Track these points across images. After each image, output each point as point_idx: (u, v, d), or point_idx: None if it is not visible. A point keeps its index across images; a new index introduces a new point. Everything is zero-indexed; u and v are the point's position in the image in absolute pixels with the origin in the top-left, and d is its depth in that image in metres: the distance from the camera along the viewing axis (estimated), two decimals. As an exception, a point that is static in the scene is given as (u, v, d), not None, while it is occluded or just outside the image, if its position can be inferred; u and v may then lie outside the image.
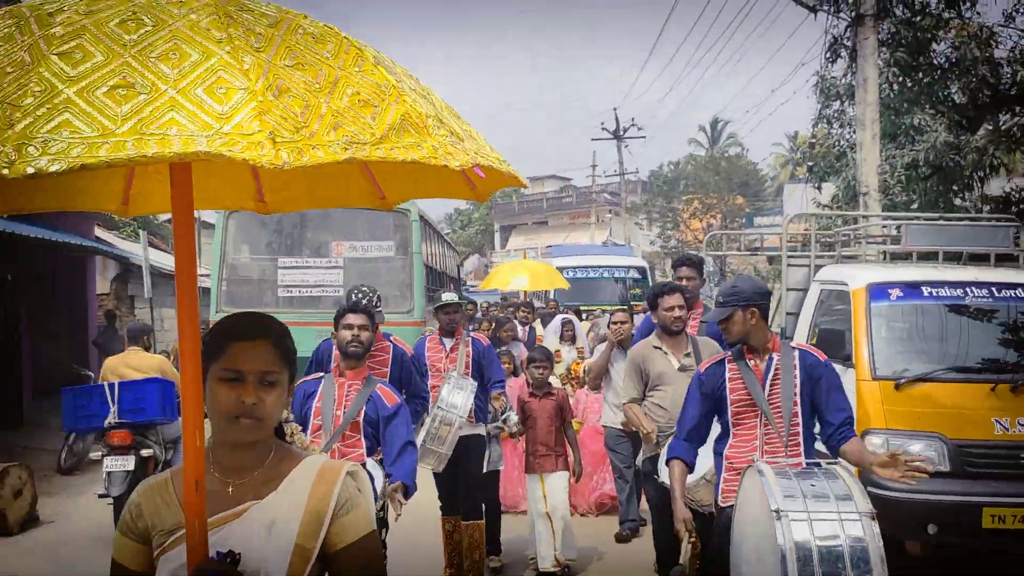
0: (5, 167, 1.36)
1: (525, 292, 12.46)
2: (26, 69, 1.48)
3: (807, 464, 3.99)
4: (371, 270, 11.89)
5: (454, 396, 5.84)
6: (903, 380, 5.63)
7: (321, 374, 4.89)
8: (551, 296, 17.25)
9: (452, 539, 6.35)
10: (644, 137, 71.50)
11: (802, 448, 4.22)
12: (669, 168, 58.85)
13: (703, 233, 32.24)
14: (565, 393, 7.09)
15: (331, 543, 1.99)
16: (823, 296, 6.78)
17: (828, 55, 14.14)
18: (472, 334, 6.71)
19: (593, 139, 47.96)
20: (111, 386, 7.61)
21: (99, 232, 19.37)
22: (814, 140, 14.90)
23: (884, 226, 8.63)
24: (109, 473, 7.52)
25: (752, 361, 4.33)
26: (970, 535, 5.27)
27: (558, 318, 11.65)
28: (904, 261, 7.42)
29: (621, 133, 41.02)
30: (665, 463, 4.67)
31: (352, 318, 4.79)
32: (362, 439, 4.51)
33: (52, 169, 1.35)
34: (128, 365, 8.26)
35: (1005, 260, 7.27)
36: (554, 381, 7.39)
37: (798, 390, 4.24)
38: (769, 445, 4.22)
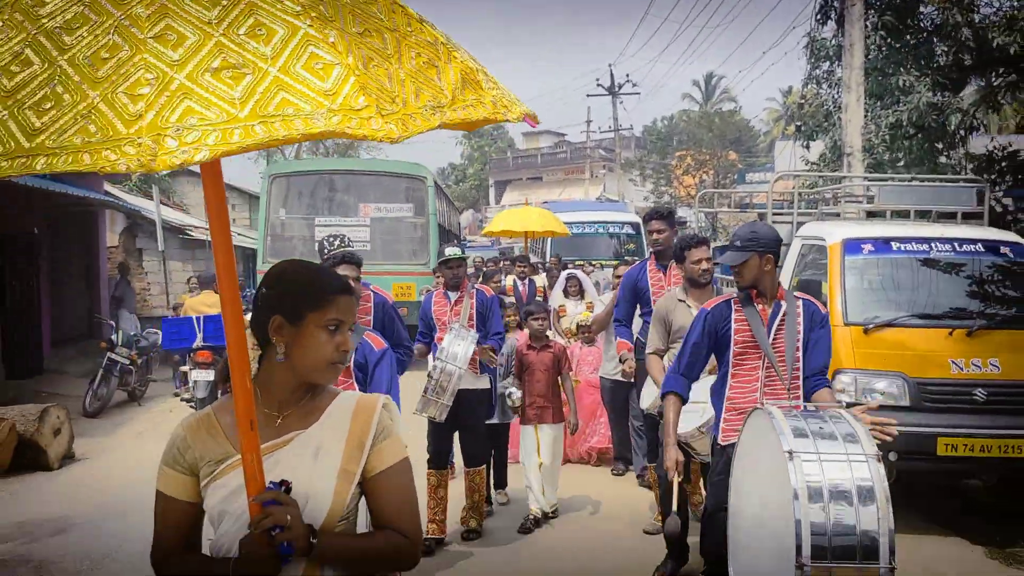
0: (150, 159, 1.35)
1: (527, 242, 12.50)
2: (127, 54, 1.43)
3: (813, 407, 4.06)
4: (393, 228, 13.54)
5: (454, 347, 5.98)
6: (871, 326, 6.27)
7: None
8: (548, 251, 17.73)
9: (436, 494, 6.26)
10: (639, 93, 71.61)
11: (801, 392, 4.36)
12: (663, 124, 58.97)
13: (695, 189, 32.75)
14: (563, 346, 7.18)
15: (370, 467, 2.12)
16: (804, 250, 7.41)
17: (818, 16, 14.63)
18: (477, 286, 6.84)
19: (588, 95, 47.92)
20: (197, 319, 10.46)
21: (106, 187, 19.80)
22: (803, 100, 15.42)
23: (862, 186, 9.22)
24: (195, 382, 9.99)
25: (760, 306, 4.41)
26: (926, 461, 5.95)
27: (563, 274, 11.77)
28: (880, 218, 8.03)
29: (616, 89, 41.28)
30: (660, 396, 4.80)
31: (344, 269, 4.82)
32: (354, 383, 4.52)
33: (198, 158, 1.35)
34: (204, 304, 11.65)
35: (971, 218, 7.89)
36: (558, 337, 7.68)
37: (801, 337, 4.37)
38: (770, 387, 4.35)
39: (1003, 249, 6.75)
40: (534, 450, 6.69)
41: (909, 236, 6.75)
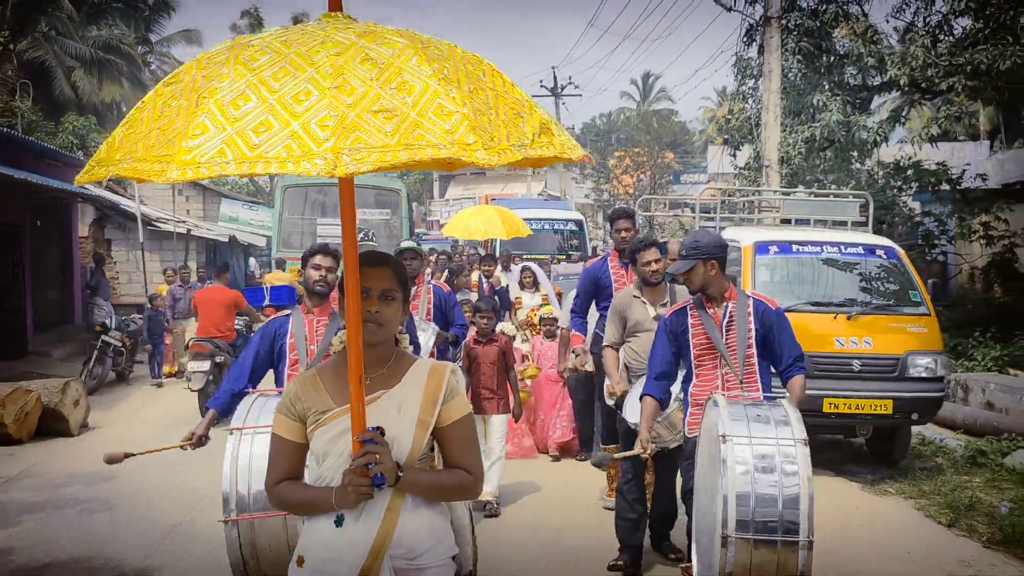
0: (332, 168, 1.87)
1: (487, 240, 13.06)
2: (318, 96, 1.95)
3: (764, 397, 4.49)
4: (378, 225, 17.48)
5: (416, 339, 6.09)
6: (775, 312, 7.91)
7: (288, 312, 5.09)
8: (498, 247, 18.93)
9: None
10: (580, 95, 73.29)
11: (759, 384, 4.67)
12: (601, 120, 60.39)
13: (633, 188, 34.55)
14: (508, 339, 7.40)
15: (441, 420, 2.58)
16: (723, 250, 9.02)
17: (744, 40, 16.37)
18: (433, 281, 7.07)
19: (532, 96, 49.66)
20: (269, 288, 13.93)
21: (78, 180, 20.59)
22: (730, 116, 17.16)
23: (774, 198, 10.88)
24: (193, 373, 10.81)
25: (711, 309, 4.74)
26: (815, 415, 7.55)
27: (517, 267, 12.17)
28: (788, 225, 9.69)
29: (559, 91, 42.89)
30: (640, 398, 5.09)
31: (320, 259, 4.94)
32: None
33: (364, 169, 1.89)
34: (275, 279, 16.25)
35: (858, 225, 9.58)
36: (510, 328, 8.01)
37: (752, 334, 4.68)
38: (728, 383, 4.67)
39: (878, 251, 8.46)
40: (481, 439, 6.83)
41: (806, 240, 8.40)
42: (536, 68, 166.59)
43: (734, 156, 17.51)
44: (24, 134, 17.64)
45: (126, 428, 10.48)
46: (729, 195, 12.31)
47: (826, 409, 7.52)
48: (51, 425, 10.01)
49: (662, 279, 5.84)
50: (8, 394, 9.67)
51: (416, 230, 37.25)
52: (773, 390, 4.74)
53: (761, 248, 8.26)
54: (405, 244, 6.89)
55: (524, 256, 16.74)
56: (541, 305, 10.18)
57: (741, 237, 8.61)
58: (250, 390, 4.69)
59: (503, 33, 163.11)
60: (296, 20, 42.46)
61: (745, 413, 4.20)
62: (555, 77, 44.20)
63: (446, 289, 7.04)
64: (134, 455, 4.73)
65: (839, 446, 9.10)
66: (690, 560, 4.63)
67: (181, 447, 4.77)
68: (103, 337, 13.25)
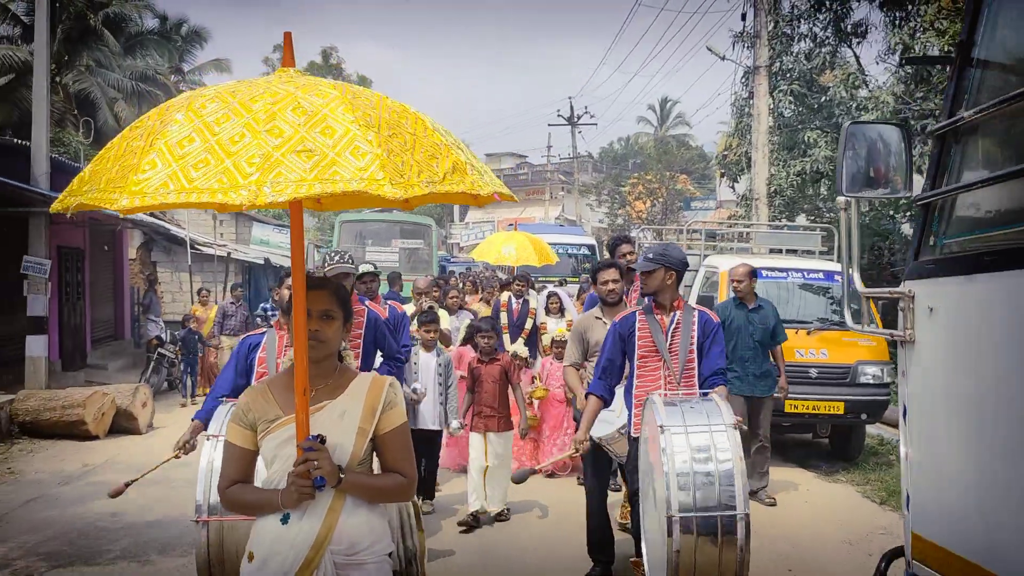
0: (254, 198, 2.19)
1: (513, 267, 12.29)
2: (251, 139, 2.28)
3: (699, 395, 4.79)
4: (411, 254, 21.18)
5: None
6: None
7: (264, 329, 5.31)
8: (515, 270, 20.29)
9: None
10: (596, 124, 74.71)
11: (697, 385, 4.96)
12: (620, 145, 61.45)
13: (646, 213, 35.92)
14: (510, 358, 7.49)
15: (380, 428, 2.79)
16: (707, 275, 10.42)
17: (743, 81, 17.79)
18: (389, 302, 7.01)
19: (550, 124, 51.49)
20: None
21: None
22: (727, 152, 18.59)
23: (745, 230, 12.27)
24: None
25: (659, 315, 5.04)
26: (780, 416, 8.90)
27: (544, 292, 11.89)
28: (779, 254, 11.08)
29: (575, 120, 44.43)
30: (584, 397, 5.39)
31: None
32: None
33: (280, 199, 2.22)
34: None
35: (825, 254, 10.97)
36: (522, 350, 8.61)
37: (694, 341, 4.99)
38: (669, 384, 4.95)
39: (836, 277, 9.86)
40: (481, 455, 7.13)
41: (773, 266, 9.81)
42: (556, 95, 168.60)
43: (732, 188, 18.93)
44: (73, 162, 19.27)
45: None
46: (718, 226, 13.70)
47: (788, 410, 8.87)
48: (123, 424, 11.51)
49: (619, 299, 6.02)
50: (88, 396, 11.21)
51: (439, 252, 38.97)
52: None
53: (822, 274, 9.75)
54: (363, 267, 7.11)
55: (539, 279, 17.44)
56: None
57: (720, 264, 10.02)
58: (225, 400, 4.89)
59: (522, 60, 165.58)
60: (325, 55, 44.52)
61: (680, 407, 4.51)
62: (572, 107, 45.81)
63: (400, 309, 6.95)
64: (135, 481, 4.96)
65: (807, 445, 10.47)
66: (640, 555, 4.87)
67: (175, 456, 5.05)
68: (159, 350, 14.74)
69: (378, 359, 5.99)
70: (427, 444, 7.23)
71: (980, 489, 2.03)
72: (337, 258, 5.96)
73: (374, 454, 2.85)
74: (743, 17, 15.40)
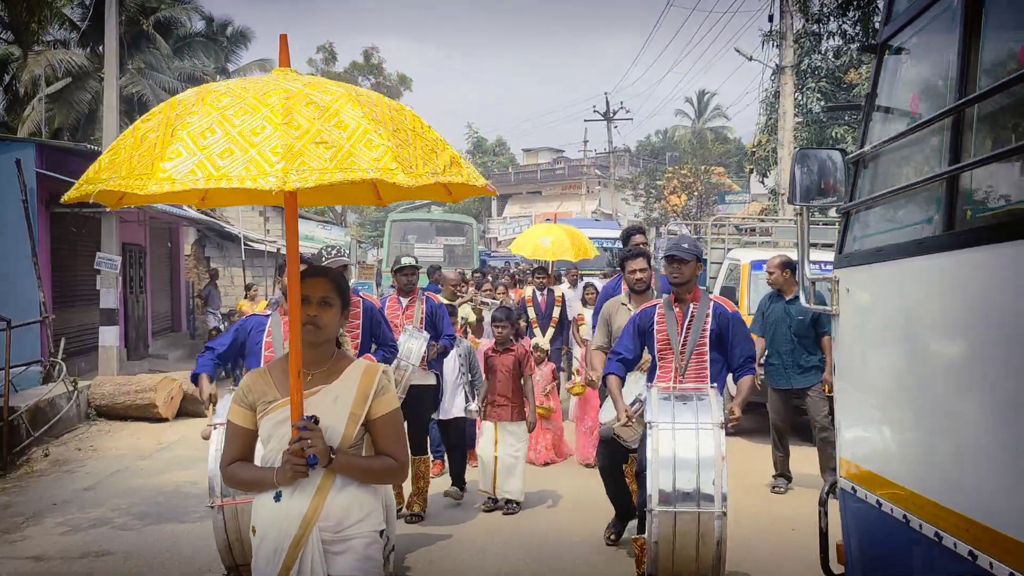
0: (282, 184, 2.32)
1: (552, 261, 12.09)
2: (272, 130, 2.42)
3: (707, 387, 4.87)
4: (455, 249, 23.14)
5: (408, 345, 6.47)
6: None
7: (269, 312, 5.48)
8: (552, 263, 21.02)
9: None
10: (631, 119, 75.10)
11: (708, 377, 5.04)
12: (657, 138, 61.62)
13: (681, 207, 36.50)
14: (525, 349, 7.50)
15: (372, 413, 2.93)
16: (730, 267, 11.11)
17: (772, 78, 18.37)
18: (427, 293, 7.32)
19: (586, 120, 52.37)
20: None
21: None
22: (755, 148, 19.19)
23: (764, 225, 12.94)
24: None
25: (677, 308, 5.18)
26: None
27: (580, 284, 11.91)
28: (790, 247, 11.73)
29: (611, 115, 45.02)
30: (601, 379, 5.55)
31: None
32: None
33: (307, 185, 2.36)
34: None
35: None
36: (544, 343, 8.75)
37: (707, 333, 5.08)
38: (676, 375, 5.10)
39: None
40: (492, 444, 7.20)
41: (793, 259, 10.49)
42: (592, 91, 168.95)
43: (763, 182, 19.54)
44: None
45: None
46: (742, 220, 14.42)
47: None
48: (189, 408, 12.46)
49: (647, 287, 6.18)
50: (159, 382, 12.20)
51: (478, 247, 39.88)
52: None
53: (756, 266, 10.35)
54: (405, 261, 7.26)
55: (581, 274, 18.24)
56: None
57: (741, 256, 10.71)
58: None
59: (559, 56, 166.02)
60: (367, 55, 45.54)
61: (673, 402, 4.63)
62: (607, 103, 46.37)
63: (437, 300, 7.32)
64: (214, 426, 5.01)
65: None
66: (643, 532, 4.95)
67: (210, 413, 5.20)
68: (218, 340, 15.69)
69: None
70: (455, 432, 7.52)
71: (882, 421, 2.78)
72: (335, 252, 6.15)
73: (366, 439, 2.99)
74: (770, 18, 16.01)
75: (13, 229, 12.85)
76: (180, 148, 2.40)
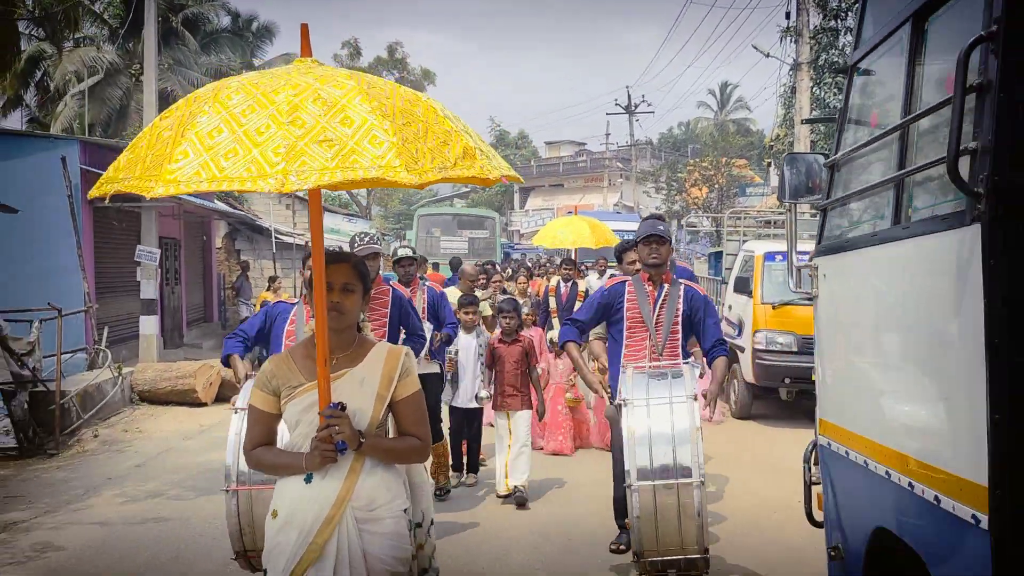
0: (281, 185, 2.32)
1: (576, 250, 12.60)
2: (276, 129, 2.43)
3: (682, 363, 4.95)
4: (478, 242, 24.18)
5: None
6: (776, 304, 10.38)
7: (295, 299, 5.50)
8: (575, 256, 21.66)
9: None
10: (653, 112, 75.00)
11: (680, 355, 5.15)
12: (680, 129, 61.77)
13: (702, 200, 36.83)
14: (531, 340, 7.60)
15: (396, 395, 3.00)
16: (744, 258, 11.55)
17: (790, 73, 18.72)
18: (427, 284, 7.37)
19: (608, 113, 52.82)
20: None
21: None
22: (773, 142, 19.54)
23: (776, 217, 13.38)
24: None
25: (649, 287, 5.25)
26: (807, 383, 10.01)
27: (606, 273, 12.08)
28: (804, 239, 12.15)
29: (633, 109, 45.37)
30: (560, 345, 5.69)
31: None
32: None
33: (306, 187, 2.38)
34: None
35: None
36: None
37: (679, 314, 5.19)
38: (652, 354, 5.15)
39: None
40: (505, 433, 7.31)
41: (804, 250, 10.90)
42: (615, 84, 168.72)
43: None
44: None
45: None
46: (758, 212, 14.82)
47: (813, 377, 9.97)
48: (227, 393, 13.03)
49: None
50: (198, 368, 12.81)
51: (501, 240, 40.43)
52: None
53: (769, 257, 10.79)
54: (402, 252, 7.34)
55: (608, 265, 18.64)
56: None
57: (756, 248, 11.15)
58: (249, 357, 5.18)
59: (582, 50, 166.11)
60: (391, 50, 46.02)
61: (647, 379, 4.67)
62: (629, 96, 46.78)
63: (439, 290, 7.40)
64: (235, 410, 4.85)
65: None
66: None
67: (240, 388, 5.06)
68: (251, 330, 16.30)
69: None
70: (469, 421, 7.62)
71: (851, 385, 3.26)
72: (368, 239, 6.06)
73: (390, 418, 3.06)
74: (787, 16, 16.36)
75: (59, 224, 13.49)
76: (187, 149, 2.43)
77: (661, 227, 5.34)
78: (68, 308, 12.03)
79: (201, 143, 2.43)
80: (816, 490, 3.73)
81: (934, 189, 2.50)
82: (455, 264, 13.49)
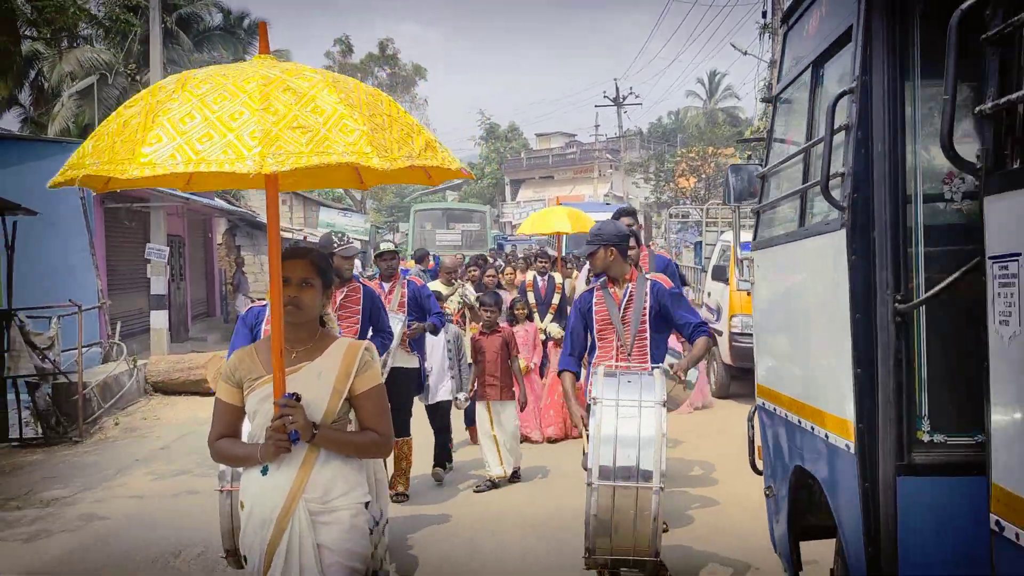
0: (259, 167, 2.38)
1: (560, 240, 12.93)
2: (249, 115, 2.48)
3: (651, 367, 4.91)
4: (471, 235, 25.26)
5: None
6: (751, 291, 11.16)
7: (266, 301, 5.23)
8: (564, 248, 22.24)
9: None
10: (641, 104, 75.44)
11: (648, 356, 5.09)
12: (669, 119, 62.21)
13: (690, 189, 37.58)
14: (511, 331, 7.87)
15: (355, 388, 3.02)
16: (722, 248, 12.33)
17: (769, 68, 19.44)
18: (408, 277, 7.47)
19: (596, 106, 53.61)
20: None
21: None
22: (754, 134, 20.25)
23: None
24: None
25: (613, 289, 5.23)
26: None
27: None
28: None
29: (621, 101, 46.09)
30: (557, 375, 5.66)
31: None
32: None
33: (283, 169, 2.43)
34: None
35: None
36: (557, 331, 9.00)
37: (647, 312, 5.14)
38: (621, 354, 5.13)
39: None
40: (487, 423, 7.55)
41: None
42: (603, 77, 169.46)
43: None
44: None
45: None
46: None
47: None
48: (235, 383, 13.78)
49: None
50: (208, 360, 13.53)
51: (492, 232, 41.12)
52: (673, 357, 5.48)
53: (744, 246, 11.52)
54: (384, 246, 7.45)
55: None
56: None
57: (730, 237, 11.91)
58: None
59: (570, 43, 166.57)
60: (382, 46, 46.67)
61: (617, 380, 4.68)
62: (617, 88, 47.46)
63: (419, 283, 7.41)
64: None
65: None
66: None
67: None
68: (256, 323, 17.02)
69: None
70: (440, 415, 7.79)
71: (776, 354, 4.03)
72: (346, 239, 6.19)
73: (351, 414, 3.07)
74: (763, 14, 17.07)
75: (72, 224, 14.19)
76: (160, 133, 2.47)
77: (588, 239, 5.29)
78: (82, 304, 12.74)
79: (174, 128, 2.48)
80: (758, 444, 4.48)
81: (823, 201, 3.26)
82: (419, 256, 14.32)
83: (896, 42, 2.72)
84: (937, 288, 2.60)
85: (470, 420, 8.66)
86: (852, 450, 2.85)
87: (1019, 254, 1.95)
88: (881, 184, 2.73)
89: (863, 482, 2.79)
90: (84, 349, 12.38)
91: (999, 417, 2.16)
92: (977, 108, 2.04)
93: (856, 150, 2.77)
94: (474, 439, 8.42)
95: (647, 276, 5.36)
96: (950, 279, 2.55)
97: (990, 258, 2.10)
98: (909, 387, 2.73)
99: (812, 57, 3.41)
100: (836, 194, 2.87)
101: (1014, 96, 1.89)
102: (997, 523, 2.06)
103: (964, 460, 2.66)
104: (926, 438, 2.74)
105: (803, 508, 3.71)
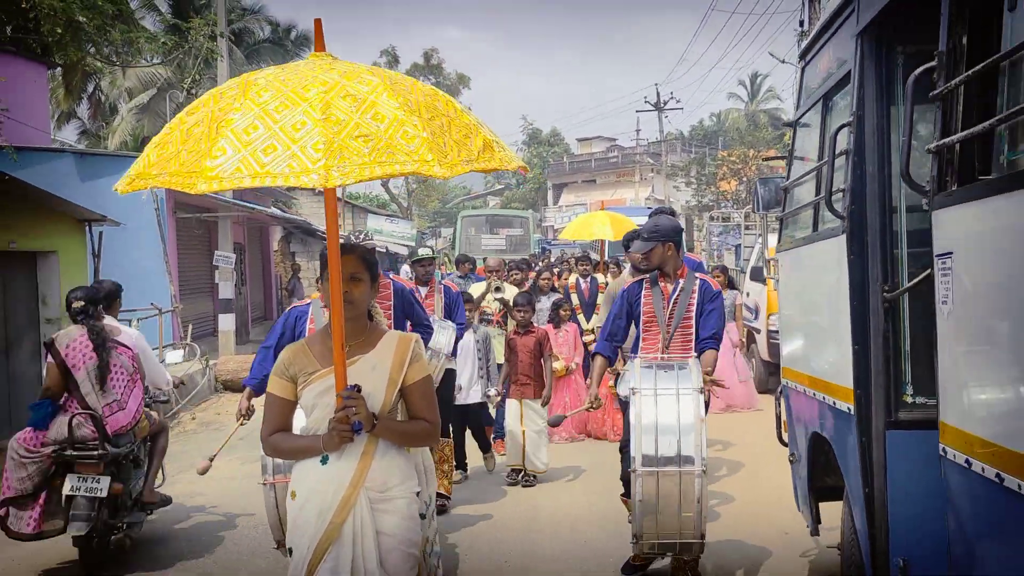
0: (324, 180, 2.40)
1: (603, 244, 12.84)
2: (312, 125, 2.50)
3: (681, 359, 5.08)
4: (515, 239, 26.52)
5: (440, 336, 6.57)
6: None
7: (309, 300, 5.52)
8: (606, 252, 22.78)
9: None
10: (682, 108, 75.50)
11: (693, 350, 5.21)
12: (711, 121, 62.19)
13: (731, 193, 37.94)
14: (544, 331, 8.03)
15: (407, 379, 3.12)
16: (760, 250, 12.94)
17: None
18: (443, 282, 7.64)
19: (637, 111, 54.01)
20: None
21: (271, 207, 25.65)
22: (780, 156, 20.67)
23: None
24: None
25: (663, 284, 5.31)
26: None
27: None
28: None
29: (662, 106, 46.57)
30: (592, 356, 5.75)
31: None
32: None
33: (348, 182, 2.48)
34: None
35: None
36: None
37: (693, 309, 5.26)
38: (663, 347, 5.27)
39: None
40: (518, 420, 7.70)
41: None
42: (645, 81, 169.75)
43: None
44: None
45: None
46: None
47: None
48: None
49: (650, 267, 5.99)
50: (274, 359, 14.40)
51: (536, 236, 41.88)
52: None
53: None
54: (422, 252, 7.56)
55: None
56: None
57: (769, 241, 12.53)
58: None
59: (612, 47, 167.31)
60: (427, 56, 47.56)
61: (655, 371, 4.82)
62: (658, 93, 47.97)
63: (455, 289, 7.59)
64: (214, 456, 5.62)
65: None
66: (629, 496, 5.03)
67: (241, 425, 5.51)
68: (314, 326, 17.90)
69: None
70: (470, 417, 7.82)
71: (796, 339, 4.73)
72: (363, 236, 7.27)
73: (400, 404, 3.16)
74: (800, 23, 17.56)
75: (147, 232, 15.19)
76: (225, 145, 2.48)
77: (644, 235, 5.35)
78: (162, 308, 13.71)
79: (238, 139, 2.49)
80: (783, 418, 5.18)
81: (826, 211, 3.97)
82: (459, 261, 14.75)
83: (883, 86, 3.41)
84: (915, 280, 3.30)
85: (498, 428, 8.71)
86: (852, 412, 3.55)
87: (951, 253, 2.59)
88: (872, 198, 3.43)
89: (860, 436, 3.48)
90: (160, 350, 13.37)
91: (944, 369, 2.76)
92: (927, 147, 2.71)
93: (853, 171, 3.47)
94: (500, 448, 8.51)
95: (697, 275, 5.43)
96: (924, 274, 3.20)
97: (936, 256, 2.73)
98: (896, 359, 3.42)
99: (822, 92, 4.13)
100: (838, 206, 3.58)
101: (949, 140, 2.54)
102: (943, 449, 2.69)
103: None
104: (910, 400, 3.44)
105: (821, 472, 4.40)
